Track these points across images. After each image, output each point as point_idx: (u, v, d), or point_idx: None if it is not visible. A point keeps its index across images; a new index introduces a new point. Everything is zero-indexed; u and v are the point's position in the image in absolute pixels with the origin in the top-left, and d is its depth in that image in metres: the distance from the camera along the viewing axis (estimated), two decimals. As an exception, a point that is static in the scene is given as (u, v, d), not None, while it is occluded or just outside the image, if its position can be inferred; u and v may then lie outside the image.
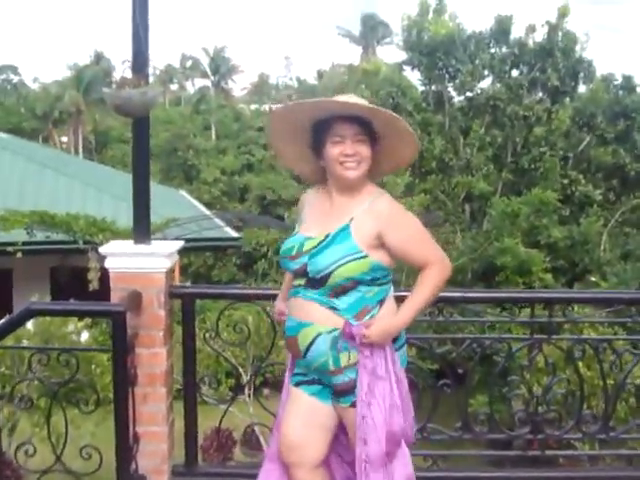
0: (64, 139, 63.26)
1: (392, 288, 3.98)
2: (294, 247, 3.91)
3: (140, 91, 4.01)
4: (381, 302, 3.86)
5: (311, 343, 3.83)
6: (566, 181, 27.13)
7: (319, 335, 3.80)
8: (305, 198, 4.12)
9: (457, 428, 4.72)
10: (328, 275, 3.74)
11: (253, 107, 69.75)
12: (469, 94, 28.75)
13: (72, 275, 17.30)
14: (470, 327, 14.30)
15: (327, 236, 3.81)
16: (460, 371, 4.91)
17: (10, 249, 15.34)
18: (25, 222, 15.25)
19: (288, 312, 4.00)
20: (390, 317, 3.82)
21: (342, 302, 3.77)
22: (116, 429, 4.14)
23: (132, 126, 4.39)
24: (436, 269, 3.83)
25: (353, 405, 3.83)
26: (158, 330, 4.42)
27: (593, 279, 21.32)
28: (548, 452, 4.93)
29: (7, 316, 4.21)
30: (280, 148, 4.09)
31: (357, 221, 3.79)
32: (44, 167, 21.92)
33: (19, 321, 4.21)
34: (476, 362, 4.80)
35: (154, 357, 4.44)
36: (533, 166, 27.52)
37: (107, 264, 4.40)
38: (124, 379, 4.15)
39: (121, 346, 4.09)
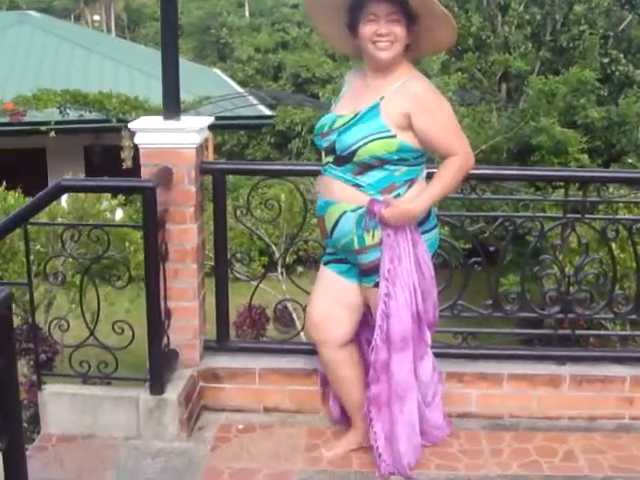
0: (96, 17, 62.61)
1: (424, 171, 3.93)
2: (326, 124, 3.91)
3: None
4: (410, 182, 3.85)
5: (337, 222, 3.83)
6: (606, 60, 26.55)
7: (344, 213, 3.81)
8: (347, 78, 4.11)
9: (487, 306, 4.72)
10: (354, 152, 3.73)
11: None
12: (509, -29, 28.04)
13: (106, 154, 17.33)
14: (503, 206, 14.28)
15: (357, 114, 3.78)
16: (492, 249, 4.87)
17: (43, 128, 15.40)
18: (58, 101, 15.30)
19: (318, 190, 3.99)
20: (409, 201, 3.78)
21: (367, 178, 3.76)
22: (147, 304, 4.18)
23: (159, 1, 4.30)
24: (459, 159, 3.80)
25: (376, 285, 3.84)
26: (189, 206, 4.41)
27: (630, 161, 21.07)
28: (579, 331, 4.93)
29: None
30: (319, 27, 4.06)
31: (387, 100, 3.76)
32: (76, 46, 21.77)
33: (50, 197, 4.21)
34: (508, 241, 4.77)
35: (185, 233, 4.44)
36: (572, 45, 26.95)
37: (136, 140, 4.37)
38: (155, 255, 4.16)
39: (151, 222, 4.10)
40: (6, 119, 15.70)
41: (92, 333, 4.35)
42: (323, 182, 3.92)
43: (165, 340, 4.38)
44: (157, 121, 4.47)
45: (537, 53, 27.05)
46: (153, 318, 4.19)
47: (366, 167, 3.75)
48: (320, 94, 29.19)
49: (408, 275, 3.80)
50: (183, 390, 4.34)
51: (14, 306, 4.24)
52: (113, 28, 58.60)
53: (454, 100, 20.02)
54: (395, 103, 3.74)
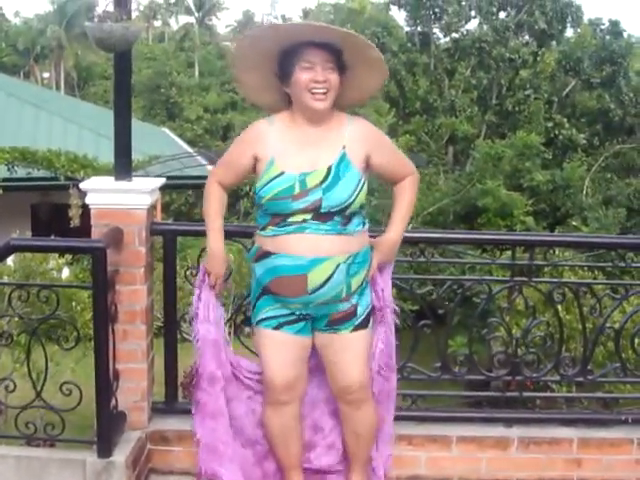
0: (46, 75, 62.62)
1: None
2: (293, 186, 3.76)
3: (123, 25, 3.95)
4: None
5: (330, 276, 3.78)
6: (550, 124, 27.13)
7: (338, 267, 3.78)
8: (260, 132, 3.91)
9: (436, 368, 4.74)
10: (348, 206, 3.77)
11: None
12: (455, 35, 28.69)
13: (53, 212, 17.24)
14: (450, 268, 14.43)
15: (329, 168, 3.78)
16: (440, 312, 4.92)
17: (-11, 186, 15.21)
18: (6, 158, 15.10)
19: (283, 250, 3.80)
20: (387, 236, 4.04)
21: (352, 226, 3.84)
22: (96, 366, 4.13)
23: (114, 61, 4.33)
24: (414, 177, 4.06)
25: (355, 329, 3.93)
26: (139, 267, 4.40)
27: (574, 223, 21.46)
28: (526, 393, 4.97)
29: (-14, 252, 4.18)
30: (243, 76, 3.97)
31: (349, 148, 3.81)
32: (25, 103, 21.75)
33: (-1, 256, 4.20)
34: (456, 303, 4.81)
35: (134, 294, 4.42)
36: (517, 109, 27.52)
37: (88, 200, 4.36)
38: (104, 316, 4.13)
39: (101, 283, 4.07)
40: (-49, 176, 15.50)
41: (39, 394, 4.29)
42: (304, 241, 3.75)
43: (113, 402, 4.33)
44: (109, 181, 4.47)
45: (483, 116, 27.56)
46: (101, 380, 4.15)
47: (351, 216, 3.81)
48: (269, 155, 29.31)
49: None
50: (131, 453, 4.29)
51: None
52: (62, 86, 58.60)
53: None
54: (356, 149, 3.82)
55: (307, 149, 3.82)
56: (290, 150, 3.83)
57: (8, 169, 15.15)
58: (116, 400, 4.37)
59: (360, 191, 3.79)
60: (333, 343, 3.97)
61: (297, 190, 3.75)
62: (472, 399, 5.48)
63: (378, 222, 19.28)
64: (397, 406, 4.74)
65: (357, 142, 3.82)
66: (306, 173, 3.77)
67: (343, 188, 3.75)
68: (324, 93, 3.71)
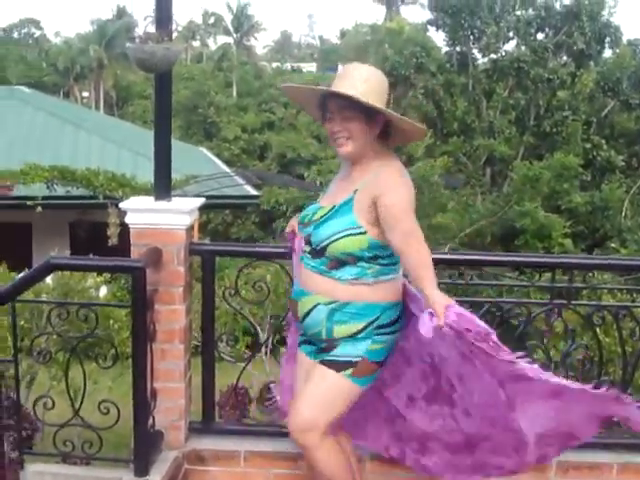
0: (85, 94, 63.31)
1: (399, 273, 3.83)
2: (307, 215, 3.88)
3: (163, 46, 3.98)
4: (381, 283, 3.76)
5: (309, 312, 3.81)
6: (588, 146, 26.96)
7: (316, 305, 3.77)
8: (342, 165, 4.04)
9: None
10: (325, 248, 3.69)
11: (275, 65, 69.59)
12: (493, 56, 28.64)
13: (91, 230, 17.34)
14: (488, 290, 14.33)
15: (333, 207, 3.74)
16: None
17: (30, 203, 15.40)
18: (45, 176, 15.31)
19: (295, 275, 4.03)
20: (434, 297, 3.46)
21: (340, 273, 3.71)
22: (133, 385, 4.15)
23: (154, 81, 4.36)
24: (422, 242, 3.59)
25: (324, 363, 3.79)
26: (177, 287, 4.42)
27: (613, 245, 21.24)
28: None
29: (26, 270, 4.22)
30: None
31: (360, 193, 3.68)
32: (65, 122, 21.97)
33: (39, 275, 4.22)
34: (494, 326, 4.77)
35: (173, 314, 4.44)
36: (555, 130, 27.37)
37: (127, 220, 4.40)
38: (143, 335, 4.15)
39: (140, 302, 4.09)
40: (-8, 193, 15.72)
41: (77, 412, 4.31)
42: (301, 271, 3.89)
43: (150, 421, 4.34)
44: (148, 201, 4.50)
45: (521, 138, 27.46)
46: (139, 399, 4.17)
47: (339, 262, 3.69)
48: (305, 174, 29.48)
49: None
50: (168, 472, 4.29)
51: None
52: (102, 105, 59.18)
53: (439, 184, 20.16)
54: (366, 196, 3.65)
55: (341, 187, 3.83)
56: (334, 185, 3.94)
57: (47, 187, 15.35)
58: (153, 419, 4.38)
59: (343, 237, 3.64)
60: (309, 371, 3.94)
61: (307, 219, 3.87)
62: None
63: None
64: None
65: (370, 189, 3.65)
66: (321, 207, 3.84)
67: (327, 228, 3.71)
68: (346, 138, 3.68)
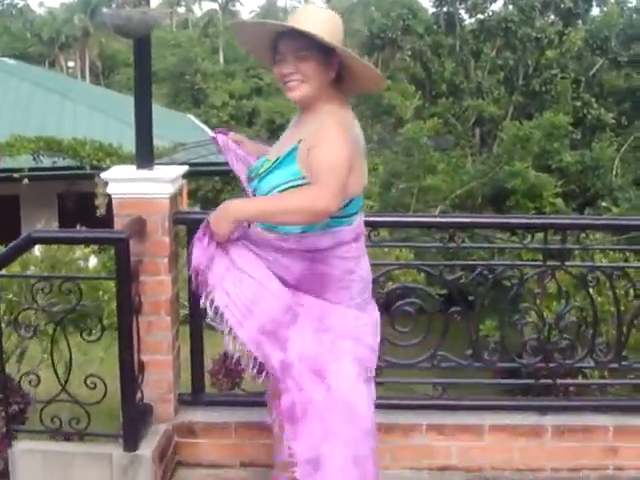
0: (71, 64, 62.84)
1: (356, 224, 3.47)
2: (255, 168, 3.58)
3: (140, 10, 3.86)
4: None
5: None
6: (578, 104, 26.89)
7: None
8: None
9: (467, 356, 4.64)
10: None
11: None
12: (480, 16, 28.52)
13: (80, 201, 17.21)
14: (479, 252, 14.25)
15: (277, 159, 3.42)
16: (470, 298, 4.79)
17: (16, 175, 15.30)
18: (32, 148, 15.17)
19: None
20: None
21: (289, 228, 3.36)
22: (120, 358, 4.08)
23: (133, 47, 4.24)
24: (313, 197, 3.17)
25: None
26: (163, 257, 4.32)
27: (604, 204, 21.23)
28: (560, 381, 4.85)
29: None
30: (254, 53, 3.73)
31: (304, 143, 3.33)
32: (50, 92, 21.74)
33: (20, 249, 4.12)
34: (487, 288, 4.70)
35: (159, 285, 4.35)
36: (544, 89, 27.29)
37: (109, 190, 4.30)
38: (128, 308, 4.07)
39: (125, 274, 4.01)
40: (-22, 166, 15.59)
41: (64, 388, 4.23)
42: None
43: (139, 394, 4.27)
44: (130, 170, 4.39)
45: (510, 97, 27.38)
46: (126, 372, 4.09)
47: None
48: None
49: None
50: (158, 446, 4.23)
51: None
52: (87, 74, 58.78)
53: (429, 145, 20.05)
54: (307, 145, 3.32)
55: (285, 137, 3.56)
56: (283, 136, 3.62)
57: (34, 159, 15.21)
58: (142, 392, 4.31)
59: (290, 188, 3.31)
60: None
61: (253, 173, 3.57)
62: (504, 387, 5.37)
63: (406, 206, 19.24)
64: (427, 395, 4.67)
65: (311, 137, 3.31)
66: (267, 159, 3.52)
67: (270, 180, 3.40)
68: (300, 82, 3.36)
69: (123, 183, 4.30)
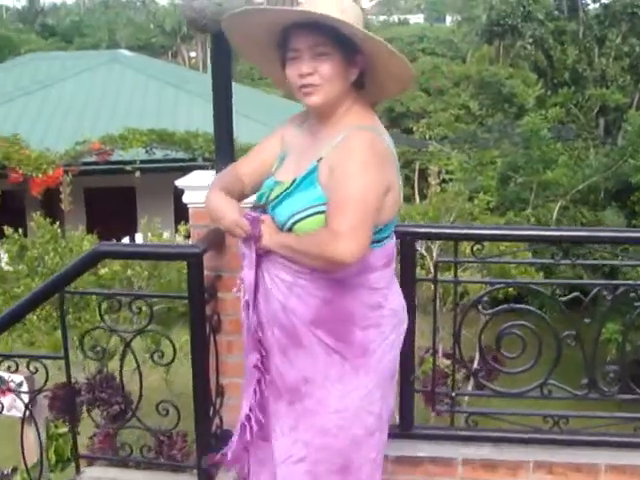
0: (192, 54, 63.55)
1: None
2: (264, 194, 3.04)
3: (215, 2, 3.43)
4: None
5: None
6: None
7: None
8: (289, 127, 3.18)
9: (582, 385, 4.14)
10: (290, 230, 2.88)
11: (382, 18, 68.53)
12: (605, 1, 27.42)
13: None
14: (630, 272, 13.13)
15: (294, 180, 2.92)
16: (587, 321, 4.24)
17: (129, 167, 15.44)
18: (144, 140, 15.31)
19: None
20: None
21: None
22: (194, 383, 3.74)
23: (211, 42, 3.86)
24: (335, 245, 2.67)
25: None
26: (244, 272, 3.97)
27: None
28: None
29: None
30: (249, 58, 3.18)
31: (325, 161, 2.85)
32: (165, 84, 21.86)
33: (87, 264, 3.83)
34: (605, 313, 4.19)
35: (239, 302, 3.99)
36: (673, 76, 26.14)
37: (185, 199, 3.96)
38: (201, 329, 3.72)
39: (197, 292, 3.66)
40: (93, 158, 15.76)
41: (134, 414, 3.92)
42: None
43: (217, 421, 3.93)
44: (209, 177, 4.02)
45: (636, 86, 26.32)
46: (200, 397, 3.76)
47: None
48: (414, 128, 28.94)
49: None
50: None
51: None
52: (208, 65, 59.38)
53: (549, 137, 19.30)
54: (327, 165, 2.84)
55: (304, 153, 3.00)
56: (294, 152, 3.08)
57: (146, 151, 15.37)
58: (220, 419, 3.98)
59: (308, 217, 2.84)
60: None
61: (263, 199, 3.04)
62: (626, 421, 4.76)
63: (525, 201, 18.55)
64: (537, 428, 4.20)
65: (333, 155, 2.83)
66: (278, 182, 3.01)
67: (287, 207, 2.89)
68: (318, 85, 2.85)
69: (200, 191, 3.93)
